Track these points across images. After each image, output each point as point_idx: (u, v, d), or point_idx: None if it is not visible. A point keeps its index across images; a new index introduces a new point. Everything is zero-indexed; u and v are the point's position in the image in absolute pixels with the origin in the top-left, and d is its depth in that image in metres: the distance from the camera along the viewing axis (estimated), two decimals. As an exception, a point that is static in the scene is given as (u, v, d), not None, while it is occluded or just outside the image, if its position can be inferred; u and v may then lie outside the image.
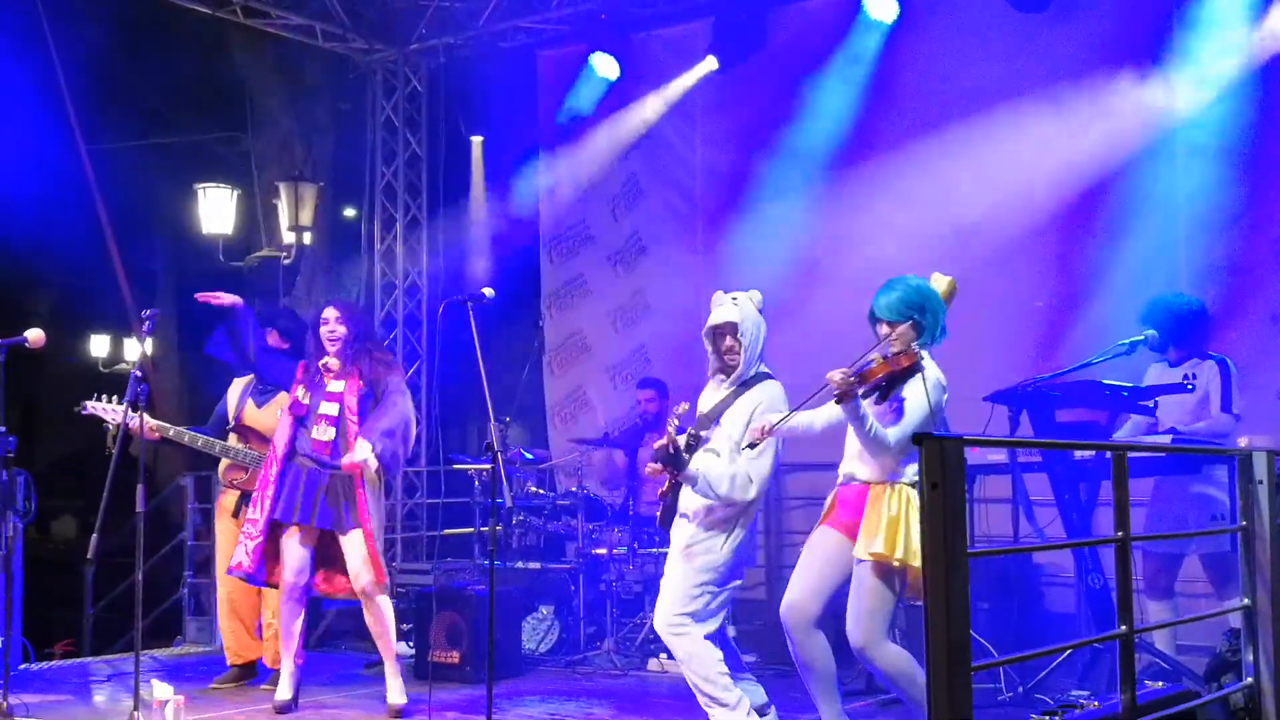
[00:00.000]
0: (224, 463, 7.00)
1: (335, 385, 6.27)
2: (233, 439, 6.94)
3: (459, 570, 8.24)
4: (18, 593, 7.16)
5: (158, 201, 14.58)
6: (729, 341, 5.16)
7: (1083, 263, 8.22)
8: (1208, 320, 6.46)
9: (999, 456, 6.47)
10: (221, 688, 6.94)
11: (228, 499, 7.04)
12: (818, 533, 4.90)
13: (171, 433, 6.49)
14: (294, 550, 6.23)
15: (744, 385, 5.14)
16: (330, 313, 6.35)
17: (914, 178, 8.79)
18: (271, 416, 6.75)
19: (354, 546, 6.17)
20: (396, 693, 6.25)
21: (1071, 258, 8.28)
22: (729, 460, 5.05)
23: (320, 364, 6.30)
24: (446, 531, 9.70)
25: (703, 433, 5.15)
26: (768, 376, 5.18)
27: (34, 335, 6.17)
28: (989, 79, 8.59)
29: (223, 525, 7.11)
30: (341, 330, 6.29)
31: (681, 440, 5.11)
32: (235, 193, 11.01)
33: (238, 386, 7.07)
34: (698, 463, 5.04)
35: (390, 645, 6.30)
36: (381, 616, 6.27)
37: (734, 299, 5.16)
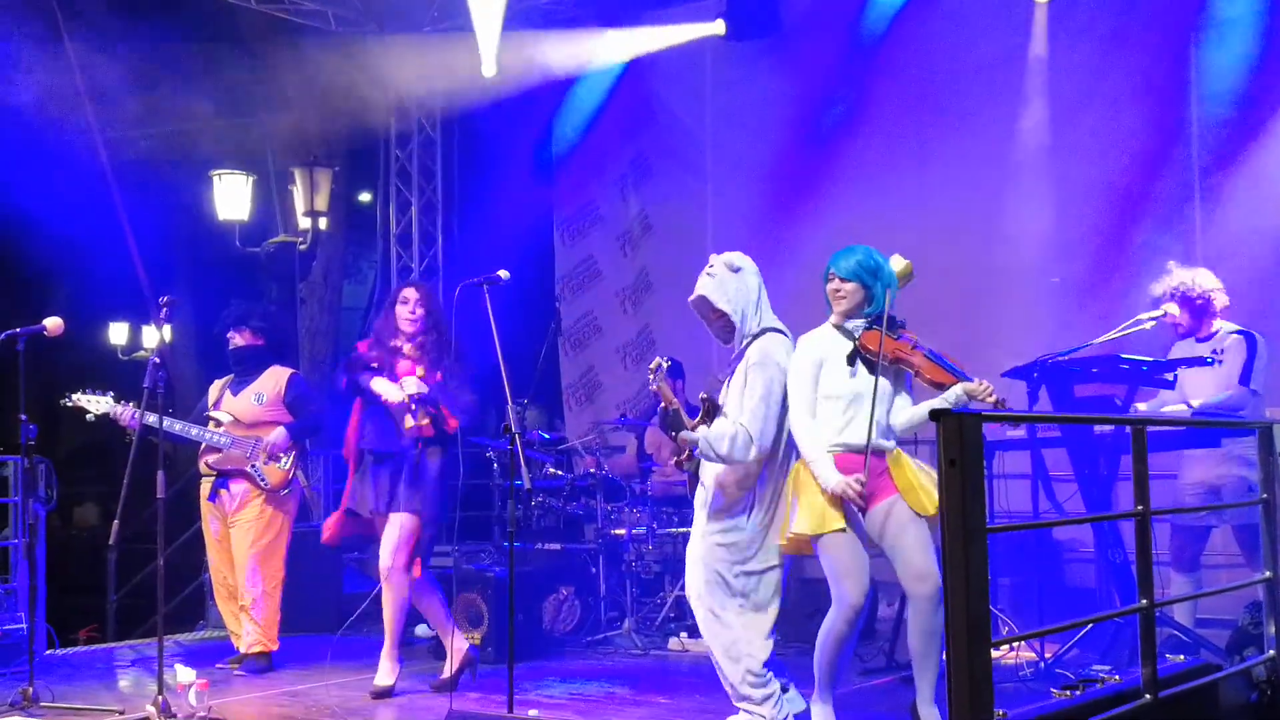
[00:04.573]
0: (202, 449, 7.10)
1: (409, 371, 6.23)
2: (210, 426, 7.06)
3: (479, 552, 8.26)
4: (41, 579, 7.22)
5: (173, 188, 14.60)
6: (713, 313, 5.11)
7: (1098, 237, 8.18)
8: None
9: (1018, 432, 6.46)
10: (228, 667, 7.00)
11: (205, 485, 7.14)
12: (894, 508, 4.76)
13: (151, 419, 6.34)
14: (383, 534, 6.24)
15: (749, 343, 5.03)
16: (411, 293, 6.32)
17: (927, 154, 8.76)
18: (244, 403, 7.02)
19: (391, 529, 6.19)
20: (382, 674, 6.27)
21: (1087, 232, 8.24)
22: (732, 421, 4.94)
23: (392, 345, 6.27)
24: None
25: (719, 396, 5.12)
26: (772, 330, 5.02)
27: (52, 324, 6.20)
28: (999, 55, 8.55)
29: (204, 511, 7.21)
30: (421, 312, 6.26)
31: (697, 417, 5.08)
32: (250, 178, 11.02)
33: (219, 383, 7.24)
34: (712, 426, 4.97)
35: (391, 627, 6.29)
36: (388, 602, 6.28)
37: (710, 268, 5.09)
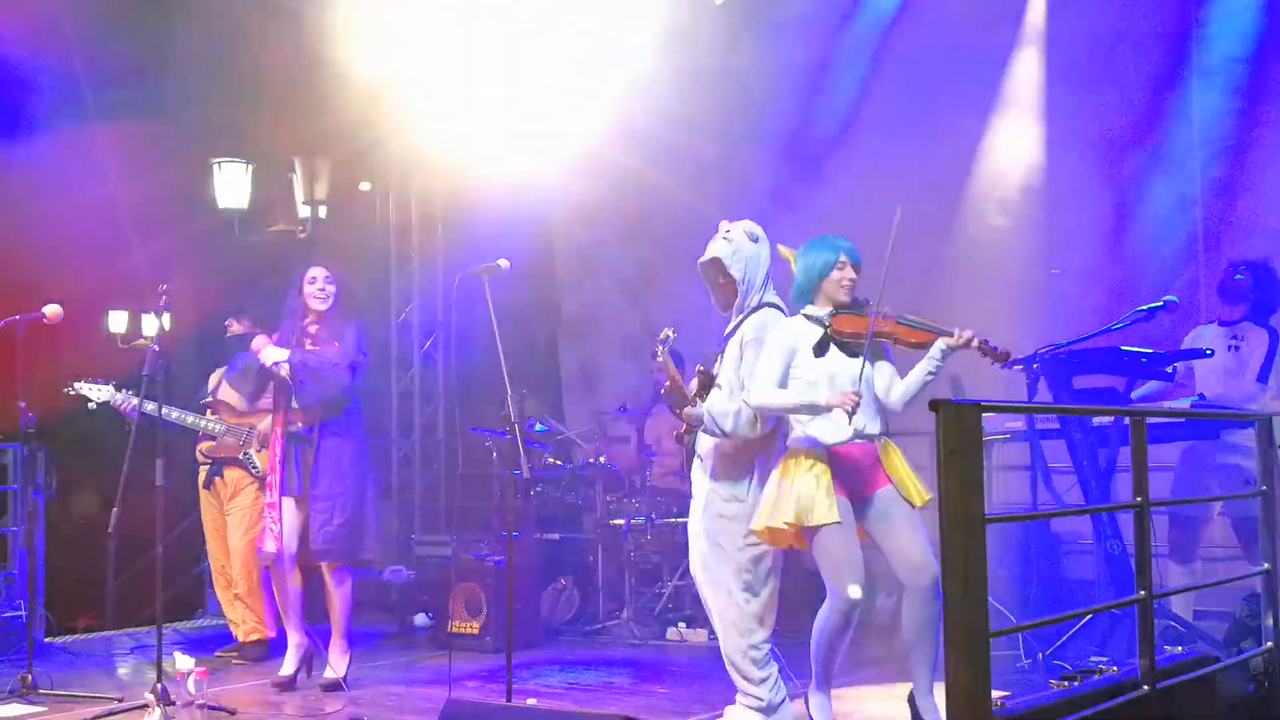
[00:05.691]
0: (198, 436, 7.17)
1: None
2: (208, 415, 7.11)
3: (477, 542, 8.27)
4: (40, 567, 7.23)
5: (173, 176, 14.58)
6: (722, 278, 5.09)
7: (1099, 229, 8.17)
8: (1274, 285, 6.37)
9: (1017, 423, 6.45)
10: (226, 655, 7.02)
11: (202, 473, 7.23)
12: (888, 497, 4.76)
13: (150, 407, 6.30)
14: (290, 518, 6.19)
15: (744, 318, 5.03)
16: (319, 271, 6.29)
17: (923, 146, 8.73)
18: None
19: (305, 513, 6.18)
20: (287, 664, 6.24)
21: (1087, 224, 8.23)
22: (729, 396, 4.93)
23: (305, 324, 6.25)
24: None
25: (714, 369, 5.10)
26: (770, 305, 5.02)
27: (51, 311, 6.20)
28: (998, 42, 8.53)
29: (202, 499, 7.28)
30: (331, 289, 6.25)
31: (694, 385, 5.07)
32: (250, 167, 11.00)
33: (219, 372, 7.31)
34: (709, 401, 4.96)
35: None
36: (291, 588, 6.22)
37: (726, 232, 5.08)
